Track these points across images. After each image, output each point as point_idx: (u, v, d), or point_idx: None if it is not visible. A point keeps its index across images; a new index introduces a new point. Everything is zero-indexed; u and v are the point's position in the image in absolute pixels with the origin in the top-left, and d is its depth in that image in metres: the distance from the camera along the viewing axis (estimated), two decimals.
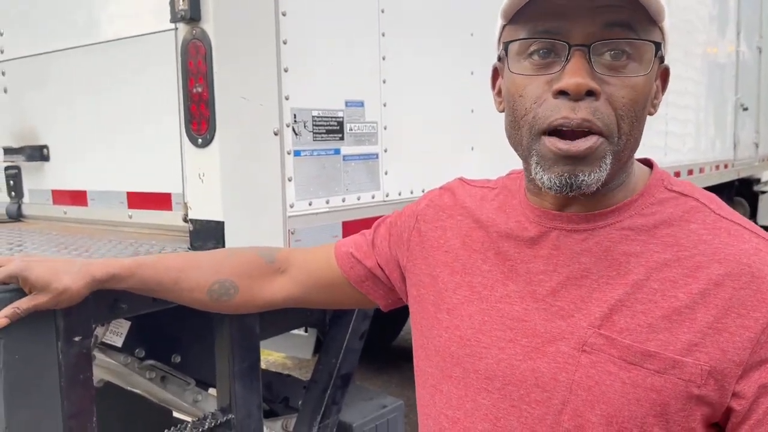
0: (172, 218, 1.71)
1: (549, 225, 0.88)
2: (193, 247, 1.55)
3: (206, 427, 1.51)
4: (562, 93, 0.77)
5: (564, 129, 0.78)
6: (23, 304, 1.09)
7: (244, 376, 1.58)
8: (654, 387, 0.77)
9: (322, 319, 2.81)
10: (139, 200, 1.82)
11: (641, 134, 0.83)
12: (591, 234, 0.85)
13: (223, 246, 1.49)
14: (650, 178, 0.89)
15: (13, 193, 2.16)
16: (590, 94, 0.76)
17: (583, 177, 0.78)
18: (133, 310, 1.43)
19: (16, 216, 2.16)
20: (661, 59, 0.84)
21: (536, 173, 0.81)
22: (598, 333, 0.80)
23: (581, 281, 0.84)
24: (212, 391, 1.86)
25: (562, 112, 0.77)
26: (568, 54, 0.77)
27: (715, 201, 0.88)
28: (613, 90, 0.77)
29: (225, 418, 1.55)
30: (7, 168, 2.16)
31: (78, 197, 1.98)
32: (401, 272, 1.12)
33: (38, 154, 2.03)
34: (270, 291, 1.20)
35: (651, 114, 0.86)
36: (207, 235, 1.52)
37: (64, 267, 1.10)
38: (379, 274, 1.15)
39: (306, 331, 4.41)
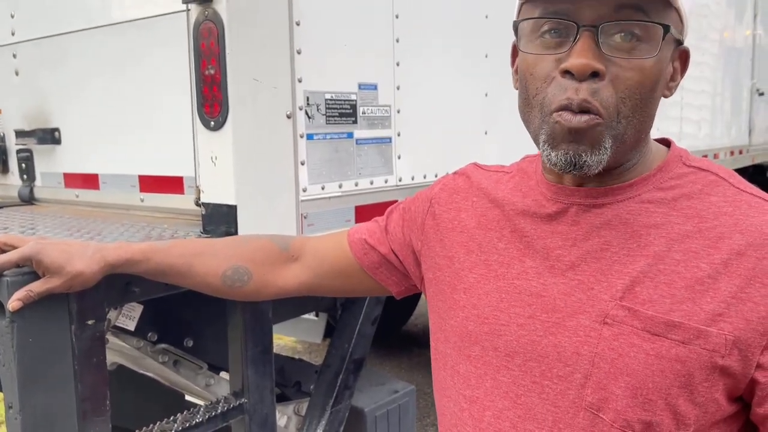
0: (184, 202, 1.70)
1: (567, 201, 0.88)
2: (206, 231, 1.54)
3: (219, 411, 1.50)
4: (568, 72, 0.78)
5: (568, 109, 0.79)
6: (36, 287, 1.08)
7: (257, 361, 1.57)
8: (678, 357, 0.76)
9: (333, 304, 2.80)
10: (151, 184, 1.82)
11: (650, 116, 0.83)
12: (610, 207, 0.85)
13: (236, 230, 1.49)
14: (668, 155, 0.89)
15: (25, 176, 2.16)
16: (595, 74, 0.77)
17: (586, 157, 0.79)
18: (146, 294, 1.43)
19: (28, 199, 2.16)
20: (679, 42, 0.84)
21: (544, 150, 0.83)
22: (620, 305, 0.80)
23: (601, 254, 0.83)
24: (224, 375, 1.87)
25: (567, 92, 0.78)
26: (577, 34, 0.77)
27: (734, 176, 0.87)
28: (619, 71, 0.78)
29: (238, 402, 1.55)
30: (19, 151, 2.15)
31: (90, 180, 1.97)
32: (416, 257, 1.11)
33: (50, 137, 2.02)
34: (283, 278, 1.19)
35: (666, 96, 0.86)
36: (219, 219, 1.51)
37: (78, 251, 1.09)
38: (393, 260, 1.15)
39: (317, 316, 4.42)
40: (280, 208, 1.58)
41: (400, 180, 1.95)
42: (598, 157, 0.79)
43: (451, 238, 1.01)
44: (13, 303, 1.07)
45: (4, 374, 1.16)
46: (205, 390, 1.76)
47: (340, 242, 1.19)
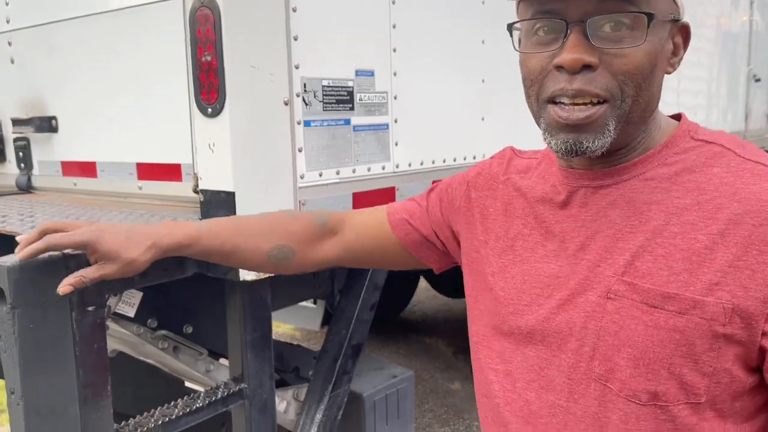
0: (182, 189, 1.71)
1: (576, 184, 0.92)
2: (205, 218, 1.54)
3: (219, 396, 1.52)
4: (561, 67, 0.81)
5: (563, 100, 0.82)
6: (90, 273, 1.06)
7: (256, 346, 1.59)
8: (677, 328, 0.78)
9: (330, 291, 2.82)
10: (148, 171, 1.82)
11: (653, 95, 0.85)
12: (616, 188, 0.88)
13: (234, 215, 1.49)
14: (676, 130, 0.90)
15: (22, 165, 2.16)
16: (587, 67, 0.80)
17: (587, 144, 0.82)
18: (146, 281, 1.44)
19: (26, 188, 2.16)
20: (676, 19, 0.86)
21: (545, 138, 0.87)
22: (621, 280, 0.83)
23: (606, 233, 0.87)
24: (224, 361, 1.88)
25: (560, 83, 0.81)
26: (567, 31, 0.81)
27: (741, 145, 0.87)
28: (612, 59, 0.80)
29: (237, 388, 1.57)
30: (16, 139, 2.15)
31: (87, 168, 1.97)
32: (455, 237, 1.15)
33: (47, 125, 2.02)
34: (324, 252, 1.22)
35: (669, 73, 0.88)
36: (218, 205, 1.51)
37: (132, 236, 1.08)
38: (434, 241, 1.18)
39: (315, 303, 4.44)
40: (279, 194, 1.58)
41: (397, 167, 1.95)
42: (601, 141, 0.82)
43: (484, 223, 1.05)
44: (63, 287, 1.04)
45: (6, 360, 1.17)
46: (205, 376, 1.78)
47: (379, 220, 1.21)
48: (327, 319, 4.26)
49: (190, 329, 1.76)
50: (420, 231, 1.18)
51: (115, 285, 1.35)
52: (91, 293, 1.25)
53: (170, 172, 1.75)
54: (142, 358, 1.92)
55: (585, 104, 0.81)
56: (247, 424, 1.59)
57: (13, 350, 1.15)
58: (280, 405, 2.03)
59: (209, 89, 1.47)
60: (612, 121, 0.81)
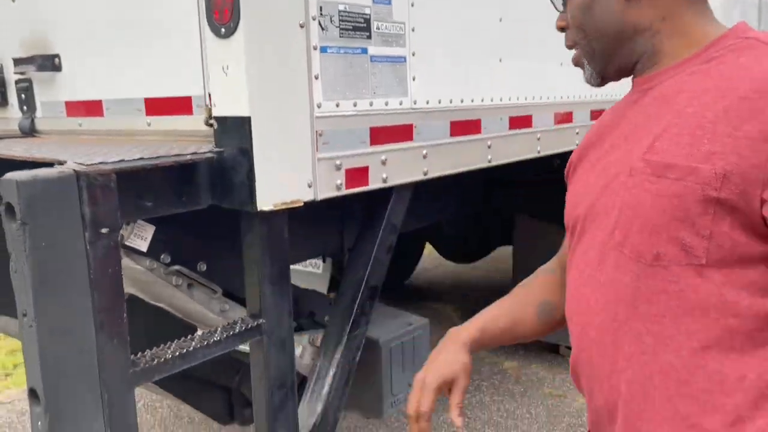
0: (193, 123, 1.64)
1: (634, 92, 1.02)
2: (219, 147, 1.48)
3: (236, 330, 1.47)
4: None
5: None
6: (456, 399, 1.13)
7: (274, 281, 1.53)
8: (675, 193, 0.84)
9: (339, 247, 2.77)
10: (157, 106, 1.75)
11: (606, 25, 0.98)
12: (657, 88, 0.96)
13: (251, 146, 1.42)
14: (723, 33, 0.93)
15: (25, 108, 2.09)
16: (564, 29, 1.05)
17: (585, 77, 1.05)
18: (159, 209, 1.38)
19: (29, 131, 2.10)
20: None
21: None
22: (641, 158, 0.90)
23: (645, 124, 0.94)
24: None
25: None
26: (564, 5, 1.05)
27: None
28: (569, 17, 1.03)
29: (255, 323, 1.52)
30: (18, 81, 2.08)
31: (93, 107, 1.90)
32: None
33: (50, 63, 1.95)
34: None
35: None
36: (233, 133, 1.45)
37: (450, 358, 1.17)
38: None
39: (323, 262, 4.39)
40: (295, 123, 1.52)
41: (414, 103, 1.88)
42: (587, 73, 1.04)
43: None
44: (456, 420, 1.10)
45: (18, 280, 1.12)
46: (220, 316, 1.73)
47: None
48: (334, 286, 4.22)
49: (204, 267, 1.70)
50: None
51: (128, 209, 1.29)
52: (103, 215, 1.19)
53: (180, 105, 1.68)
54: (154, 302, 1.87)
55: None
56: (266, 362, 1.54)
57: (24, 269, 1.10)
58: (296, 350, 1.98)
59: (222, 8, 1.40)
60: (585, 58, 1.03)
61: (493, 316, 1.24)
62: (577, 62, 1.05)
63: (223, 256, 1.74)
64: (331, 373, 1.76)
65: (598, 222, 0.96)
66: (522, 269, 4.09)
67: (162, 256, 1.60)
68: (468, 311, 5.15)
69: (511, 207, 4.13)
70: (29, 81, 2.06)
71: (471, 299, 5.46)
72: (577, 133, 2.79)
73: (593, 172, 1.02)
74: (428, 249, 6.10)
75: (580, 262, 1.01)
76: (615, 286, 0.92)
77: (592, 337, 0.96)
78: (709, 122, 0.83)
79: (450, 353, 1.17)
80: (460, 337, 1.19)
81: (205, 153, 1.43)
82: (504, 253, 6.13)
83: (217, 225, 1.64)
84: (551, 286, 1.23)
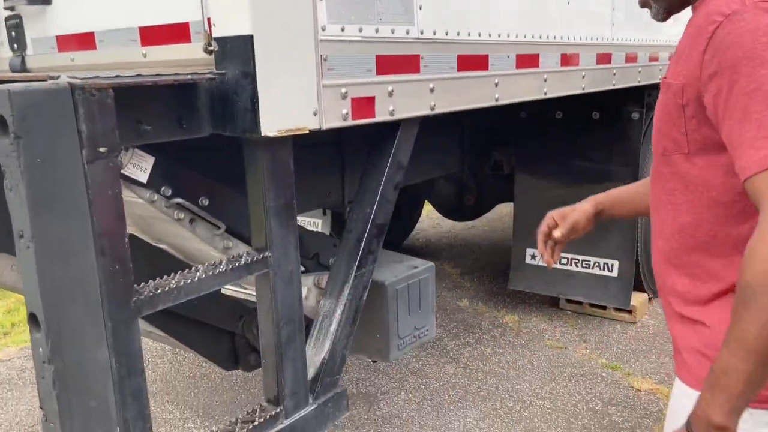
0: (191, 51, 1.56)
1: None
2: (220, 70, 1.40)
3: (242, 262, 1.42)
4: None
5: None
6: (558, 232, 1.50)
7: (280, 213, 1.48)
8: (665, 102, 1.15)
9: (341, 200, 2.71)
10: (153, 35, 1.67)
11: None
12: (690, 22, 1.15)
13: (254, 68, 1.35)
14: None
15: (15, 46, 2.00)
16: None
17: (653, 16, 1.26)
18: (158, 135, 1.32)
19: (20, 70, 2.01)
20: None
21: None
22: (663, 80, 1.19)
23: (676, 48, 1.19)
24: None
25: None
26: None
27: None
28: None
29: (261, 256, 1.46)
30: (7, 18, 1.99)
31: (85, 40, 1.82)
32: None
33: None
34: None
35: None
36: (234, 54, 1.38)
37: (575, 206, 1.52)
38: None
39: (324, 214, 4.35)
40: (299, 44, 1.44)
41: (421, 33, 1.81)
42: (653, 12, 1.24)
43: None
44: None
45: (13, 200, 1.06)
46: (224, 254, 1.68)
47: None
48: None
49: (206, 201, 1.64)
50: None
51: (127, 132, 1.23)
52: (101, 132, 1.13)
53: (178, 33, 1.60)
54: (155, 242, 1.82)
55: None
56: (272, 296, 1.49)
57: (19, 187, 1.04)
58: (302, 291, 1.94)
59: None
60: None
61: (618, 191, 1.54)
62: (644, 4, 1.24)
63: (226, 191, 1.68)
64: (339, 311, 1.72)
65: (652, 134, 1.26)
66: (522, 226, 4.06)
67: (163, 189, 1.54)
68: (466, 267, 5.15)
69: (511, 164, 4.08)
70: (19, 17, 1.97)
71: (468, 257, 5.44)
72: (583, 77, 2.72)
73: None
74: (426, 211, 6.06)
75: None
76: (654, 175, 1.25)
77: (652, 208, 1.26)
78: (683, 49, 1.11)
79: (575, 205, 1.51)
80: (588, 199, 1.51)
81: (205, 74, 1.36)
82: (503, 212, 6.11)
83: (219, 159, 1.58)
84: None
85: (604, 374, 3.43)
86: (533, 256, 4.04)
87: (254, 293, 1.66)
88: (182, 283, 1.31)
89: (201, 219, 1.62)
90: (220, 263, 1.40)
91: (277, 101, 1.40)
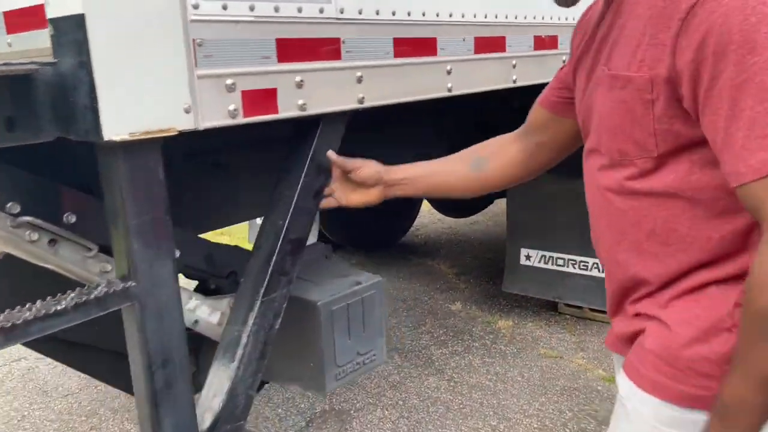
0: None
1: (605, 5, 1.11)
2: (57, 58, 1.14)
3: (92, 296, 1.15)
4: None
5: None
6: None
7: (146, 232, 1.21)
8: (623, 99, 0.99)
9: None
10: (18, 21, 1.41)
11: None
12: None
13: (89, 58, 1.08)
14: None
15: None
16: None
17: (556, 1, 1.16)
18: None
19: None
20: None
21: None
22: (603, 69, 1.04)
23: (606, 34, 1.07)
24: None
25: None
26: None
27: None
28: None
29: (122, 287, 1.19)
30: None
31: None
32: None
33: None
34: (509, 154, 1.48)
35: None
36: (67, 41, 1.10)
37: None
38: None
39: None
40: (158, 27, 1.16)
41: (341, 12, 1.52)
42: None
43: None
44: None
45: None
46: (102, 278, 1.42)
47: (534, 108, 1.40)
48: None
49: (72, 218, 1.37)
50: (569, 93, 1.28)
51: None
52: None
53: (36, 17, 1.34)
54: (36, 261, 1.56)
55: None
56: (140, 334, 1.22)
57: None
58: (213, 316, 1.68)
59: None
60: None
61: (426, 162, 1.53)
62: None
63: (99, 205, 1.41)
64: (242, 344, 1.45)
65: (586, 131, 1.14)
66: (515, 224, 3.78)
67: (8, 205, 1.28)
68: (463, 266, 4.85)
69: None
70: None
71: (466, 255, 5.14)
72: (564, 61, 2.40)
73: (583, 72, 1.15)
74: (424, 207, 5.79)
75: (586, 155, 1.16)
76: (596, 182, 1.10)
77: (595, 216, 1.14)
78: (640, 34, 0.96)
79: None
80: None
81: (31, 65, 1.09)
82: (502, 207, 5.80)
83: (77, 159, 1.31)
84: (490, 146, 1.49)
85: (599, 388, 3.13)
86: (527, 257, 3.75)
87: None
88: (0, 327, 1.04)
89: (65, 239, 1.36)
90: (64, 298, 1.13)
91: (128, 97, 1.12)
